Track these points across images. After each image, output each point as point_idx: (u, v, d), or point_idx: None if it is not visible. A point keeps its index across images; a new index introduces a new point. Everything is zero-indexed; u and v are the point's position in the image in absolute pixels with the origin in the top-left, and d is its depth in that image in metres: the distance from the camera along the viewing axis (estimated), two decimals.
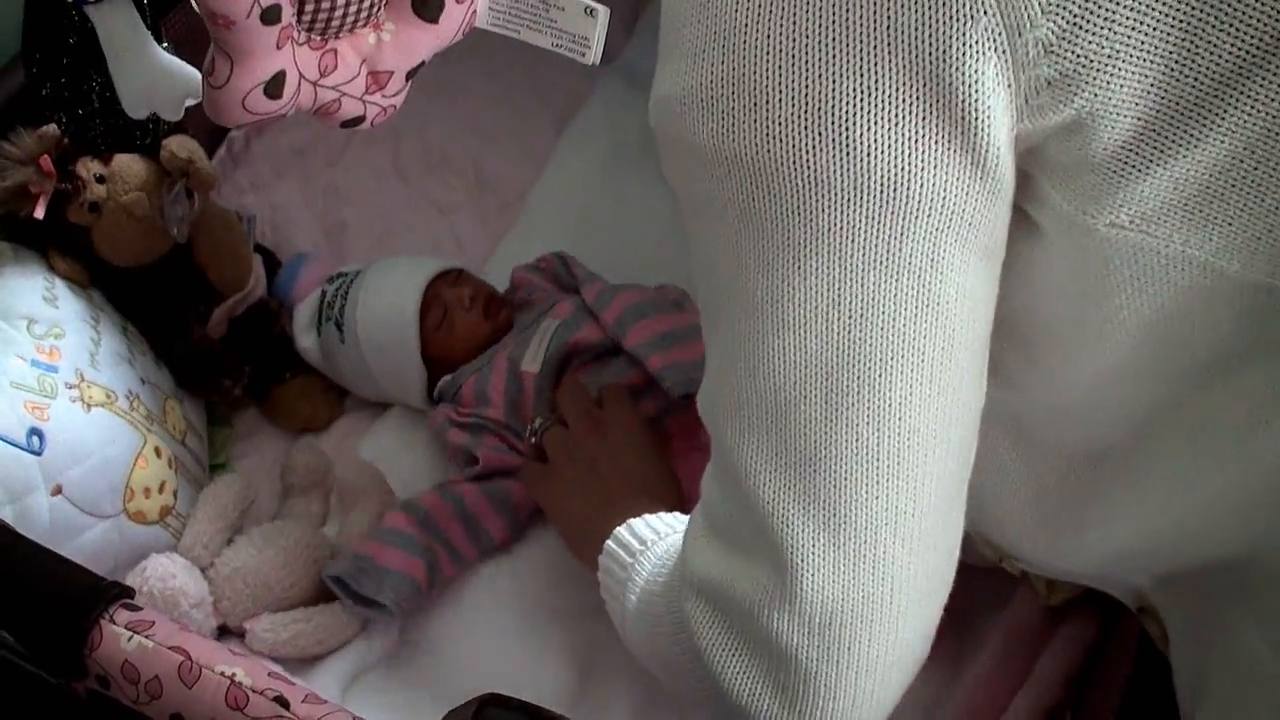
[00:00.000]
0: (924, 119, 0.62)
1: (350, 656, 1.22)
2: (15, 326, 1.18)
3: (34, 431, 1.13)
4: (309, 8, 0.74)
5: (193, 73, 0.96)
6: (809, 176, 0.63)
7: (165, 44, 0.96)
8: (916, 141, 0.62)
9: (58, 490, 1.13)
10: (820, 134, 0.63)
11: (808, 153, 0.63)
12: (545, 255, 1.44)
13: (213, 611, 1.19)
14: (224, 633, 1.21)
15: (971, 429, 0.74)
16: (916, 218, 0.64)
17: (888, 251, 0.65)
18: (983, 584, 1.30)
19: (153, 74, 0.94)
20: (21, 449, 1.11)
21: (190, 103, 0.97)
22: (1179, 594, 0.91)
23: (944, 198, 0.64)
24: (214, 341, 1.35)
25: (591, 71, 1.66)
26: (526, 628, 1.26)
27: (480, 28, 0.82)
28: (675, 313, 1.33)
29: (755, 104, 0.63)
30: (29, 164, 1.20)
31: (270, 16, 0.71)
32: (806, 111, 0.62)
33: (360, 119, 0.80)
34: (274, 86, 0.74)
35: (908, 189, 0.63)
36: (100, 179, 1.25)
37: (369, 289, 1.37)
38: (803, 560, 0.71)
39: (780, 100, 0.63)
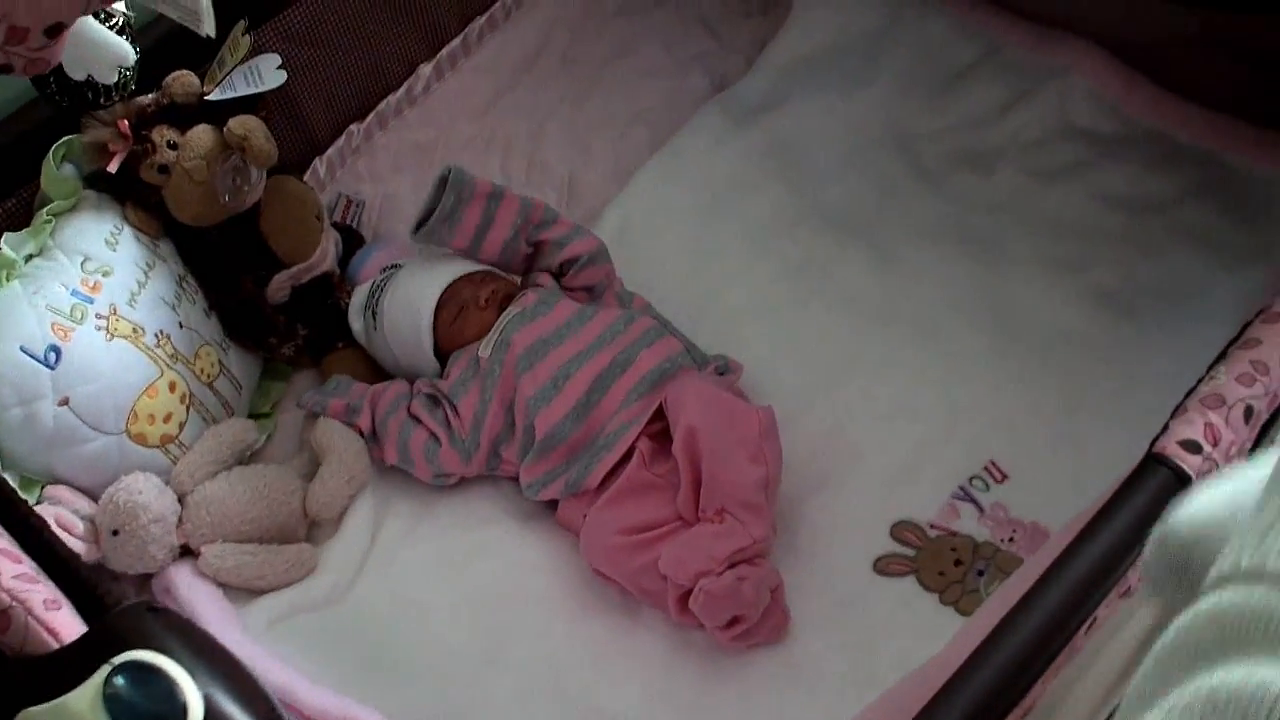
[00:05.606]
0: None
1: (288, 596, 1.34)
2: (72, 260, 1.37)
3: (53, 348, 1.31)
4: None
5: (120, 42, 1.11)
6: None
7: (100, 18, 1.12)
8: None
9: (64, 402, 1.31)
10: None
11: None
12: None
13: (175, 530, 1.33)
14: (185, 552, 1.35)
15: None
16: None
17: None
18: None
19: (86, 45, 1.10)
20: (38, 361, 1.30)
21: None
22: None
23: None
24: (263, 301, 1.50)
25: (697, 100, 1.70)
26: (454, 597, 1.33)
27: None
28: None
29: None
30: (111, 126, 1.40)
31: None
32: None
33: (8, 68, 0.87)
34: None
35: None
36: (172, 145, 1.43)
37: (398, 285, 1.48)
38: None
39: None
